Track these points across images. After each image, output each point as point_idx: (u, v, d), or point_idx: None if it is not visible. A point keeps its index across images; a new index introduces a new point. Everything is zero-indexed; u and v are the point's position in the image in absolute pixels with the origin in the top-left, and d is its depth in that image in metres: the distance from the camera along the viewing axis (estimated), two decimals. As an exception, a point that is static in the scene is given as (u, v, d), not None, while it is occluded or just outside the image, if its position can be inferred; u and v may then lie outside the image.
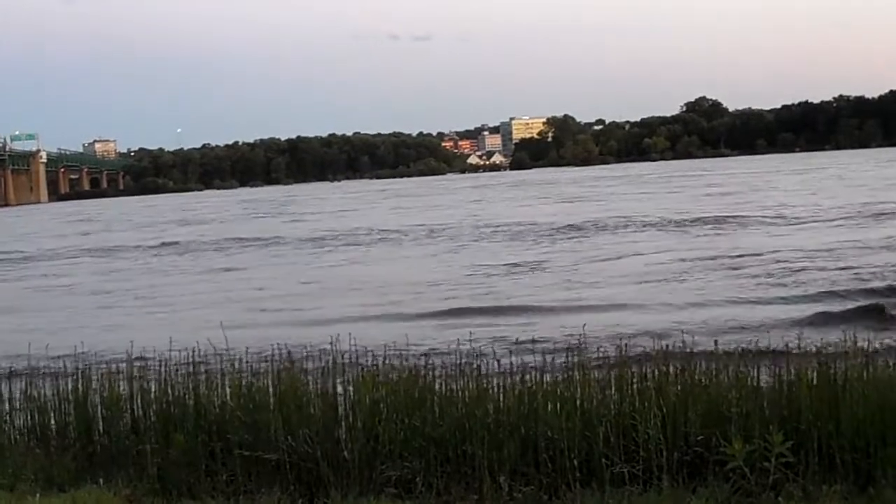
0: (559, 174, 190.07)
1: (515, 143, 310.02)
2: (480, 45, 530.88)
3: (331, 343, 11.92)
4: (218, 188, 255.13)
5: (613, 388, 11.04)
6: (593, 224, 60.82)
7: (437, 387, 11.30)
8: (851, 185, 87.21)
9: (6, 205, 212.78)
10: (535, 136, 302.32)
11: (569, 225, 60.73)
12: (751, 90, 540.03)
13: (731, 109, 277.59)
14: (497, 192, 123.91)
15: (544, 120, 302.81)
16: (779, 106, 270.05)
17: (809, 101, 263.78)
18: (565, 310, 28.28)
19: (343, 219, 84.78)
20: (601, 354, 11.87)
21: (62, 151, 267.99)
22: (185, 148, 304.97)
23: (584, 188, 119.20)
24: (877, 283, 29.80)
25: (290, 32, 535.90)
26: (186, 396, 11.96)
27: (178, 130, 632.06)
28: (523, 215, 72.94)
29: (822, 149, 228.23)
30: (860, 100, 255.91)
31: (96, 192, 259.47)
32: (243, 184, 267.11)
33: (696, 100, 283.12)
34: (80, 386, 12.52)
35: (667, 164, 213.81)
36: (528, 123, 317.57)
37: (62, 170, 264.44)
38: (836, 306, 26.30)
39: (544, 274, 38.45)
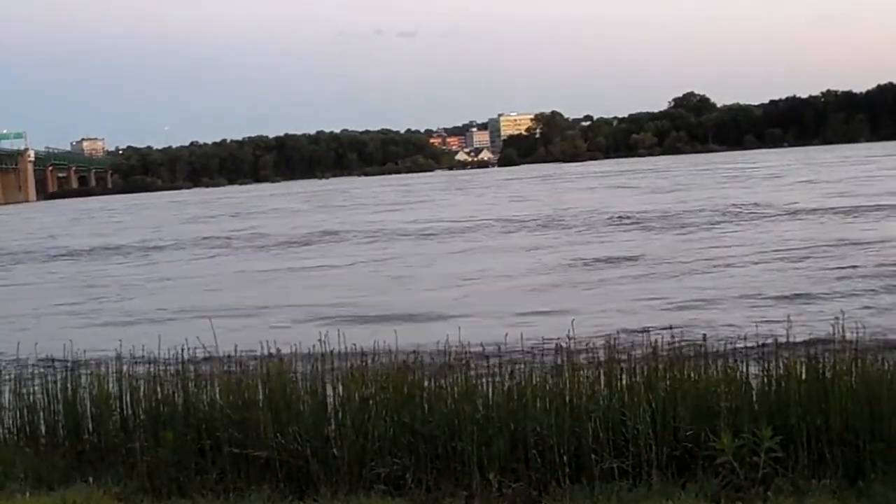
0: (557, 170, 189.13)
1: (503, 140, 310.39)
2: (467, 41, 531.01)
3: (320, 340, 11.90)
4: (206, 186, 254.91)
5: (602, 384, 11.04)
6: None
7: (425, 383, 11.30)
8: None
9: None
10: (523, 132, 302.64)
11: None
12: (739, 85, 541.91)
13: (718, 105, 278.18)
14: (552, 185, 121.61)
15: (532, 116, 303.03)
16: (767, 101, 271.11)
17: (797, 95, 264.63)
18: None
19: (435, 211, 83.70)
20: (590, 350, 11.85)
21: (50, 150, 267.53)
22: (174, 146, 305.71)
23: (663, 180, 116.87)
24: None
25: (277, 30, 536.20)
26: (176, 394, 11.95)
27: (166, 128, 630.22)
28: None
29: (810, 143, 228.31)
30: (848, 95, 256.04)
31: (84, 190, 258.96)
32: (231, 182, 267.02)
33: (684, 95, 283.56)
34: (69, 384, 12.51)
35: (683, 158, 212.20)
36: (515, 120, 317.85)
37: (50, 168, 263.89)
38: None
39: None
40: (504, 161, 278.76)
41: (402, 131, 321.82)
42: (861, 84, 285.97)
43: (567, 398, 10.90)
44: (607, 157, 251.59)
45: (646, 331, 11.74)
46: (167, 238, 71.62)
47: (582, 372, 11.20)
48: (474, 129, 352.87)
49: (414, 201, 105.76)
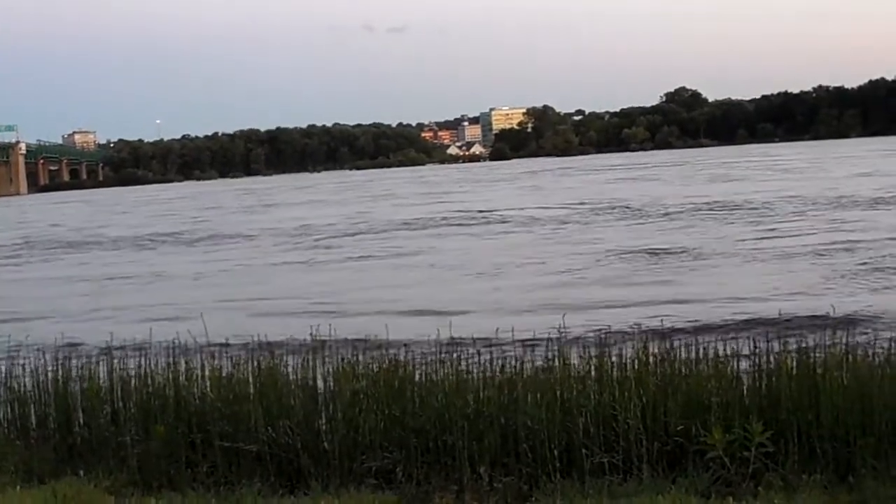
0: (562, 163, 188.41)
1: (495, 134, 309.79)
2: (458, 35, 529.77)
3: (311, 334, 11.90)
4: (198, 179, 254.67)
5: (593, 379, 11.04)
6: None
7: (417, 377, 11.30)
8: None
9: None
10: (515, 126, 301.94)
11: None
12: (730, 80, 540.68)
13: (710, 100, 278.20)
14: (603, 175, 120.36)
15: (524, 110, 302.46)
16: (758, 96, 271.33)
17: (789, 91, 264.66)
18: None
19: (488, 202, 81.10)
20: (582, 345, 11.85)
21: (41, 143, 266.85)
22: (165, 139, 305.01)
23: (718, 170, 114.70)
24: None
25: (269, 23, 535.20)
26: (167, 388, 11.93)
27: (158, 122, 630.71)
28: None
29: (802, 139, 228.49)
30: (839, 90, 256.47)
31: (76, 183, 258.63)
32: (223, 175, 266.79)
33: (676, 90, 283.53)
34: (59, 377, 12.48)
35: (680, 152, 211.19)
36: (507, 114, 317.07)
37: (41, 161, 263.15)
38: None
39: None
40: (496, 155, 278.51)
41: (394, 125, 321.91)
42: (853, 79, 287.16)
43: (558, 393, 10.88)
44: (599, 151, 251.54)
45: (637, 325, 11.73)
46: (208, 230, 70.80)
47: (573, 366, 11.20)
48: (466, 123, 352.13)
49: (407, 194, 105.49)
